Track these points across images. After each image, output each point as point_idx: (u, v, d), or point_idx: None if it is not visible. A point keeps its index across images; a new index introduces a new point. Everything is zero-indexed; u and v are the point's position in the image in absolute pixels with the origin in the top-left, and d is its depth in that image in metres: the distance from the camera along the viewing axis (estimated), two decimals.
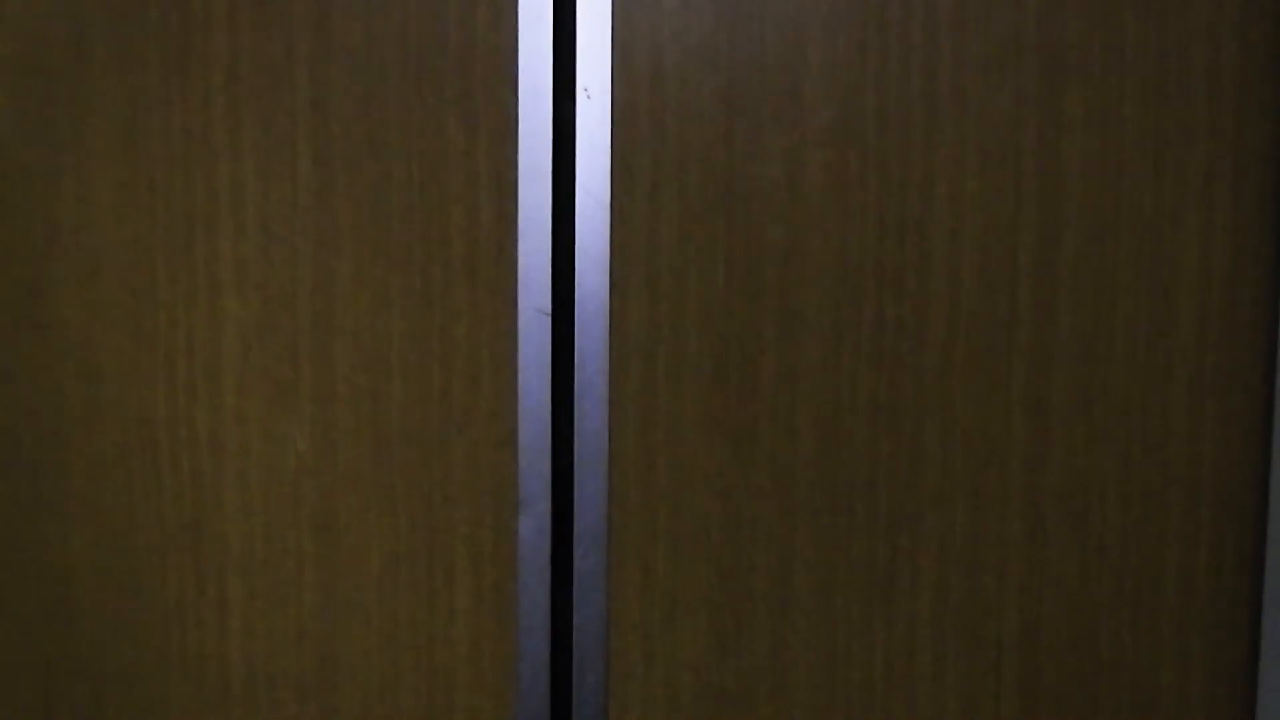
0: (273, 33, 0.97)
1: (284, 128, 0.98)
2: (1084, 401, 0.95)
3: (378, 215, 0.98)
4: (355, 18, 0.96)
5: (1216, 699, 0.98)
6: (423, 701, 1.01)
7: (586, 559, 0.98)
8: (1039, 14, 0.93)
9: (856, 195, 0.94)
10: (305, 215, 0.98)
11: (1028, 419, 0.96)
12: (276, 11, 0.97)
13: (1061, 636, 0.98)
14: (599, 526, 0.98)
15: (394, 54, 0.96)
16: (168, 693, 1.03)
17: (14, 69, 0.99)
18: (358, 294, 0.98)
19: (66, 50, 0.99)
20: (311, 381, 0.99)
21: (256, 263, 0.99)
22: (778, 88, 0.94)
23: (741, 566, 0.98)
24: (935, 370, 0.95)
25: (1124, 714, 0.98)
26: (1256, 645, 0.97)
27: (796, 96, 0.94)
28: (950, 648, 0.98)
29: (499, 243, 0.97)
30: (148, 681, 1.03)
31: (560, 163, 0.96)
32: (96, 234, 1.00)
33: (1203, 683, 0.98)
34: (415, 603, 1.00)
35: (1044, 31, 0.93)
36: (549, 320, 0.96)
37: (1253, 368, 0.96)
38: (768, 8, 0.94)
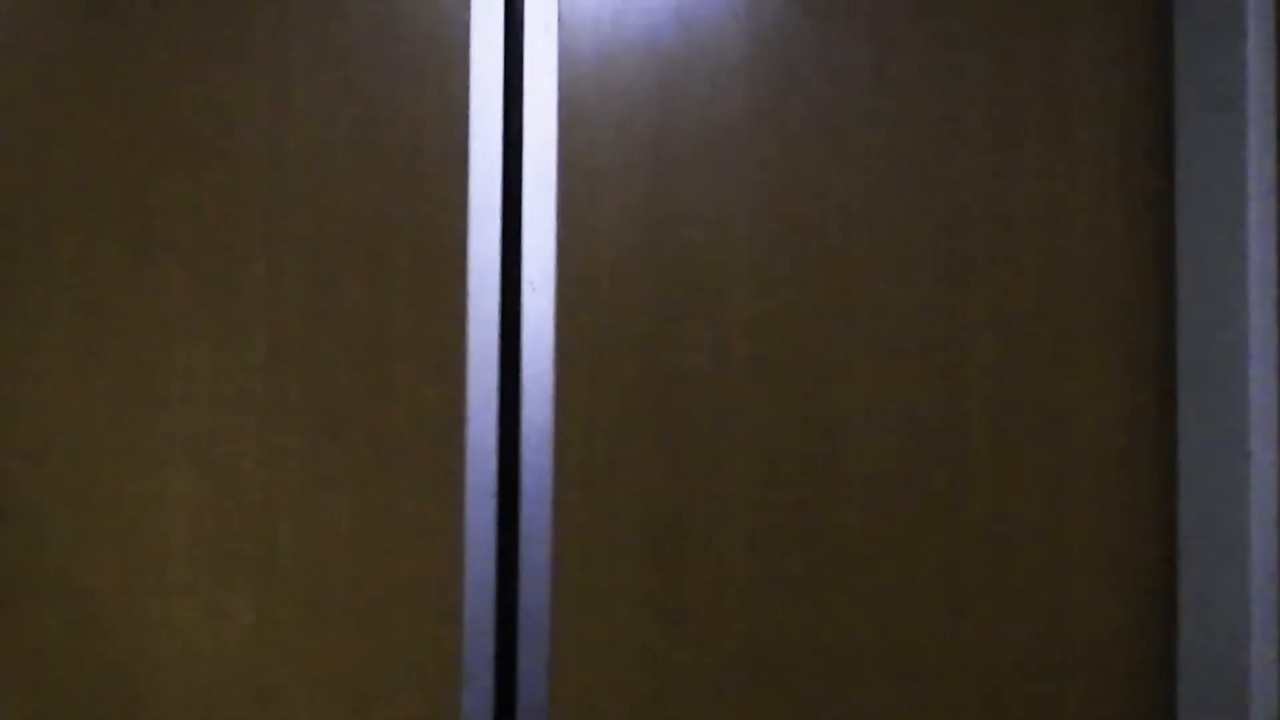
0: (230, 220, 1.03)
1: (239, 312, 1.02)
2: (995, 587, 1.01)
3: (327, 396, 1.02)
4: (307, 206, 1.02)
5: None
6: None
7: None
8: (942, 223, 1.01)
9: (781, 380, 1.01)
10: (258, 395, 1.02)
11: (940, 596, 1.00)
12: (234, 200, 1.03)
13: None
14: (540, 702, 1.00)
15: (345, 243, 1.02)
16: None
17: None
18: (303, 469, 1.02)
19: (33, 234, 1.03)
20: (257, 556, 1.02)
21: (206, 440, 1.02)
22: (706, 284, 1.01)
23: None
24: (851, 549, 1.00)
25: None
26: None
27: (723, 293, 1.01)
28: None
29: (446, 425, 1.01)
30: None
31: (506, 351, 1.01)
32: (52, 410, 1.03)
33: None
34: None
35: (948, 237, 1.01)
36: (494, 500, 1.00)
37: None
38: (697, 211, 1.01)
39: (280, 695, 1.01)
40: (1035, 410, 1.01)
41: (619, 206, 1.02)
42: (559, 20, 1.01)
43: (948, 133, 1.01)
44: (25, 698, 1.02)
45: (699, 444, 1.01)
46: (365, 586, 1.01)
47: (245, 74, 1.02)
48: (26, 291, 1.03)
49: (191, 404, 1.02)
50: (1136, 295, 1.00)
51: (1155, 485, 1.00)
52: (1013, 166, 1.00)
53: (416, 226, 1.02)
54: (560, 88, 1.01)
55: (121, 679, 1.02)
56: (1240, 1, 0.96)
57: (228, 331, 1.02)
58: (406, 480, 1.02)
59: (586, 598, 1.01)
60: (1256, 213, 0.95)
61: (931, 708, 1.01)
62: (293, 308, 1.02)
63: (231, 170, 1.02)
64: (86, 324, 1.03)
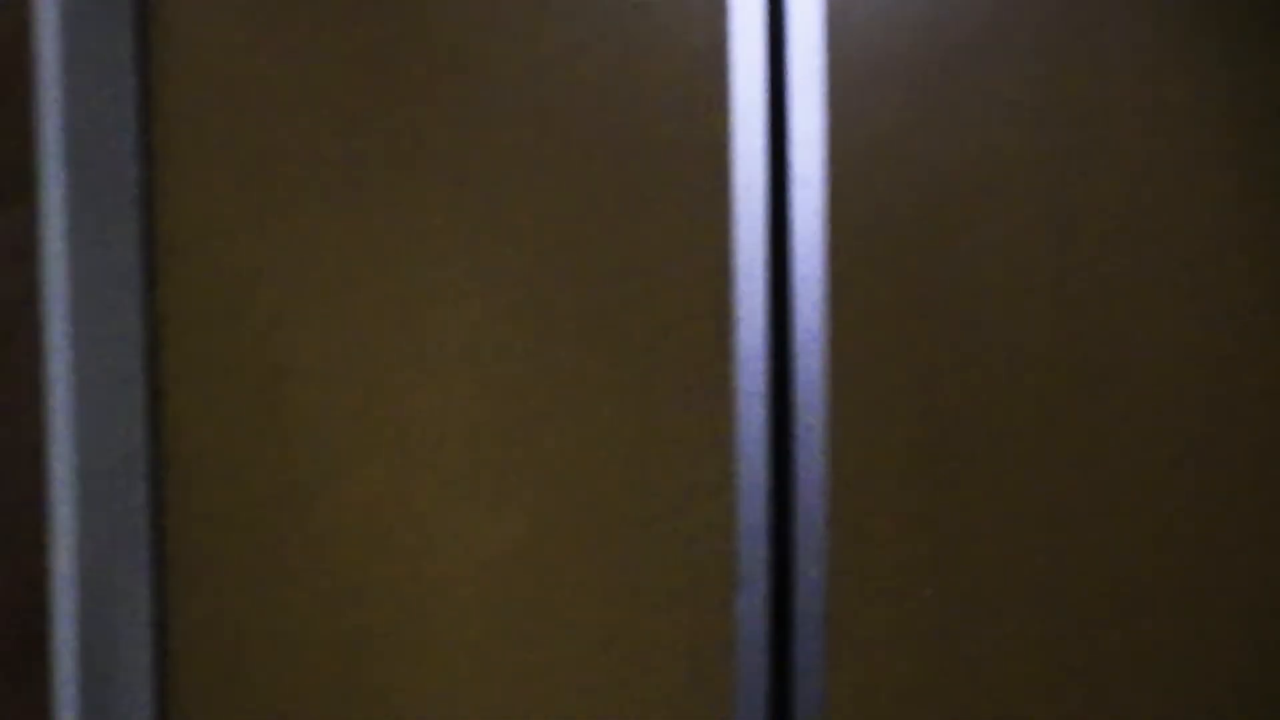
0: (497, 127, 1.02)
1: (505, 221, 1.02)
2: None
3: (593, 304, 1.01)
4: (568, 114, 1.00)
5: None
6: None
7: (806, 643, 0.99)
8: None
9: (1064, 278, 0.94)
10: (525, 303, 1.02)
11: None
12: (499, 108, 1.01)
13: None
14: (817, 609, 0.98)
15: (608, 147, 1.00)
16: None
17: (260, 164, 1.06)
18: (573, 381, 1.01)
19: (305, 146, 1.05)
20: (533, 468, 1.03)
21: (480, 350, 1.03)
22: (981, 180, 0.95)
23: (962, 648, 0.97)
24: (1154, 466, 0.94)
25: None
26: None
27: (1002, 189, 0.95)
28: None
29: (716, 329, 0.99)
30: None
31: (775, 252, 0.98)
32: (331, 322, 1.05)
33: None
34: (630, 684, 1.02)
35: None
36: (766, 404, 0.98)
37: None
38: (969, 105, 0.94)
39: (553, 605, 1.03)
40: None
41: (887, 101, 0.96)
42: None
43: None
44: (298, 597, 1.07)
45: (978, 342, 0.96)
46: (637, 495, 1.01)
47: None
48: (296, 211, 1.05)
49: (461, 316, 1.03)
50: None
51: None
52: None
53: (679, 125, 0.99)
54: None
55: (395, 587, 1.05)
56: None
57: (495, 244, 1.02)
58: (676, 386, 1.00)
59: (863, 501, 0.98)
60: None
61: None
62: (557, 217, 1.01)
63: (494, 83, 1.01)
64: (355, 241, 1.04)
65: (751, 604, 1.00)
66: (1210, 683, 0.96)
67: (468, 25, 1.01)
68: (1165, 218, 0.94)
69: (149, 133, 1.08)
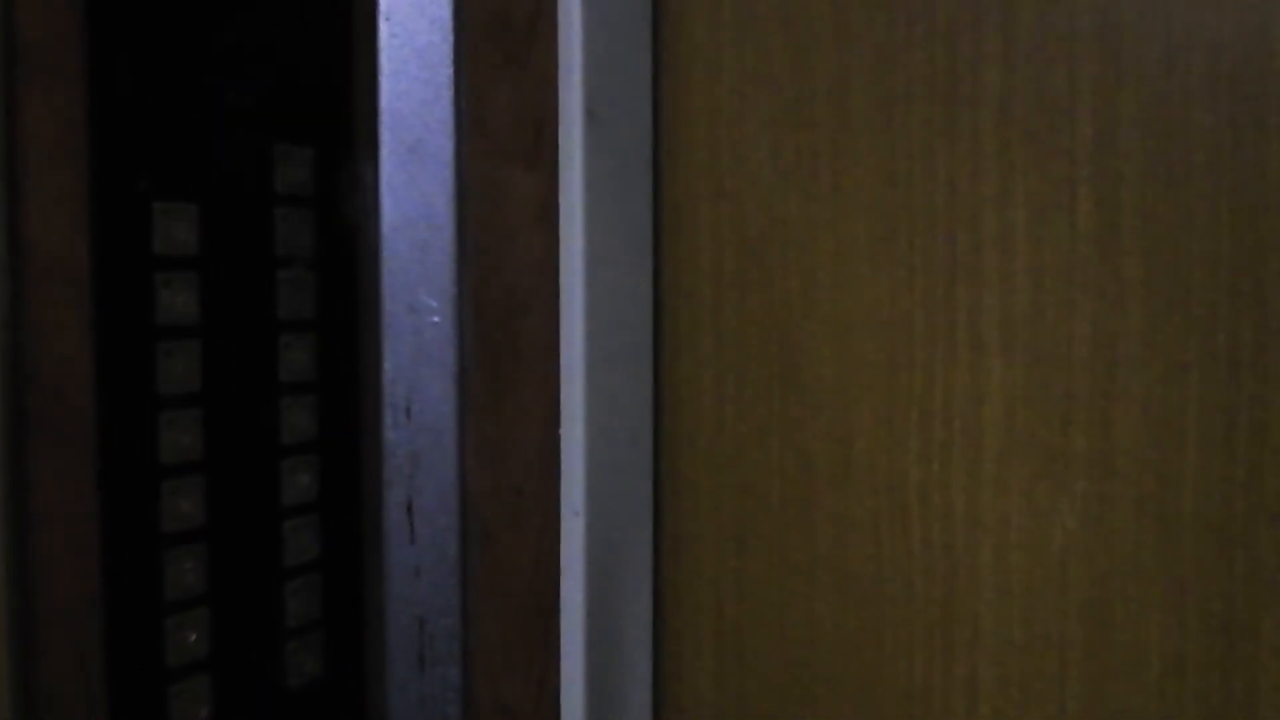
0: (1053, 63, 0.88)
1: (1062, 169, 0.88)
2: None
3: (1174, 266, 0.85)
4: (1153, 35, 0.85)
5: None
6: None
7: None
8: None
9: None
10: (1085, 267, 0.88)
11: None
12: (1058, 37, 0.88)
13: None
14: None
15: (1200, 75, 0.84)
16: None
17: (776, 122, 0.99)
18: (1147, 356, 0.86)
19: (828, 100, 0.97)
20: (1086, 452, 0.88)
21: (1027, 320, 0.90)
22: None
23: None
24: None
25: None
26: None
27: None
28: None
29: None
30: None
31: None
32: (852, 290, 0.96)
33: None
34: (1203, 715, 0.85)
35: None
36: None
37: None
38: None
39: (1111, 612, 0.88)
40: None
41: None
42: None
43: None
44: (805, 588, 0.98)
45: None
46: (1225, 495, 0.84)
47: None
48: (822, 162, 0.97)
49: (1008, 279, 0.90)
50: None
51: None
52: None
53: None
54: None
55: (925, 575, 0.94)
56: None
57: (1050, 195, 0.89)
58: (1277, 366, 0.82)
59: None
60: None
61: None
62: (1129, 162, 0.86)
63: (1051, 5, 0.88)
64: (887, 193, 0.94)
65: None
66: None
67: None
68: None
69: (660, 96, 1.05)
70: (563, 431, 0.99)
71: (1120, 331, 0.87)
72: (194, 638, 0.80)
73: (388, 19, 0.94)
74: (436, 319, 0.96)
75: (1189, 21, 0.84)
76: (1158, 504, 0.86)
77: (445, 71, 0.96)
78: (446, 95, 0.96)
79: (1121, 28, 0.86)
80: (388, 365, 0.94)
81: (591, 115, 0.98)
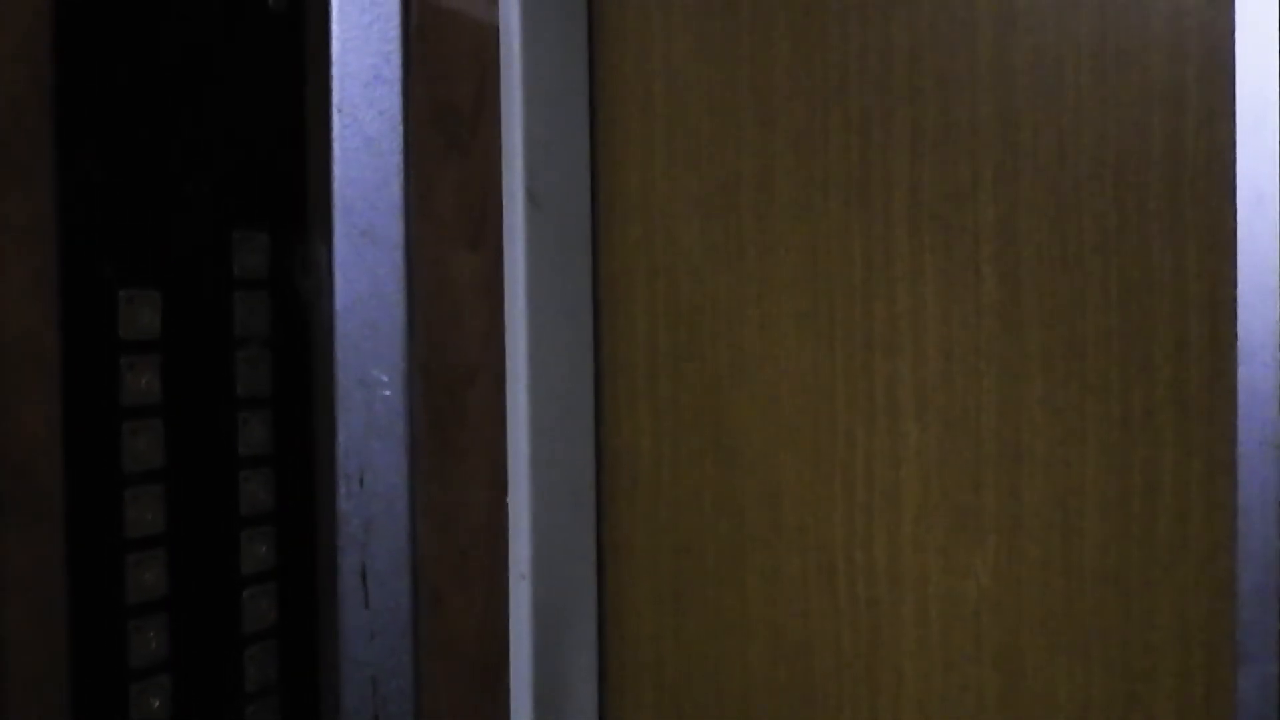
0: (957, 155, 0.96)
1: (967, 249, 0.96)
2: None
3: (1070, 339, 0.93)
4: (1042, 131, 0.93)
5: None
6: None
7: None
8: None
9: None
10: (991, 340, 0.95)
11: None
12: (960, 133, 0.96)
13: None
14: None
15: (1089, 168, 0.92)
16: None
17: (705, 203, 1.06)
18: (1049, 422, 0.93)
19: (753, 183, 1.04)
20: (995, 511, 0.95)
21: (938, 388, 0.97)
22: None
23: None
24: None
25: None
26: None
27: None
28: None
29: (1214, 368, 0.88)
30: None
31: None
32: (778, 361, 1.03)
33: None
34: None
35: None
36: (1275, 453, 0.86)
37: None
38: None
39: (1023, 660, 0.95)
40: None
41: None
42: None
43: None
44: (740, 640, 1.04)
45: None
46: (1122, 549, 0.91)
47: None
48: (748, 241, 1.04)
49: (921, 350, 0.97)
50: None
51: None
52: None
53: (1171, 143, 0.89)
54: None
55: (851, 628, 1.00)
56: None
57: (957, 272, 0.96)
58: (1168, 431, 0.90)
59: None
60: None
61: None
62: (1029, 243, 0.94)
63: (956, 100, 0.96)
64: (809, 270, 1.01)
65: (1253, 683, 0.88)
66: None
67: (929, 38, 0.96)
68: None
69: (596, 179, 1.11)
70: (509, 497, 1.04)
71: (1024, 399, 0.94)
72: (156, 704, 0.84)
73: (339, 110, 1.00)
74: (387, 392, 1.01)
75: (1078, 114, 0.92)
76: (1062, 558, 0.93)
77: (394, 159, 1.02)
78: (396, 181, 1.02)
79: (1018, 119, 0.94)
80: (341, 437, 0.99)
81: (532, 197, 1.05)
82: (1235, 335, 0.87)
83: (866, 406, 1.00)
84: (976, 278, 0.96)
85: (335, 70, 1.00)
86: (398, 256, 1.01)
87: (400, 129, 1.02)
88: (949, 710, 0.97)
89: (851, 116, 1.00)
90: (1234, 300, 0.86)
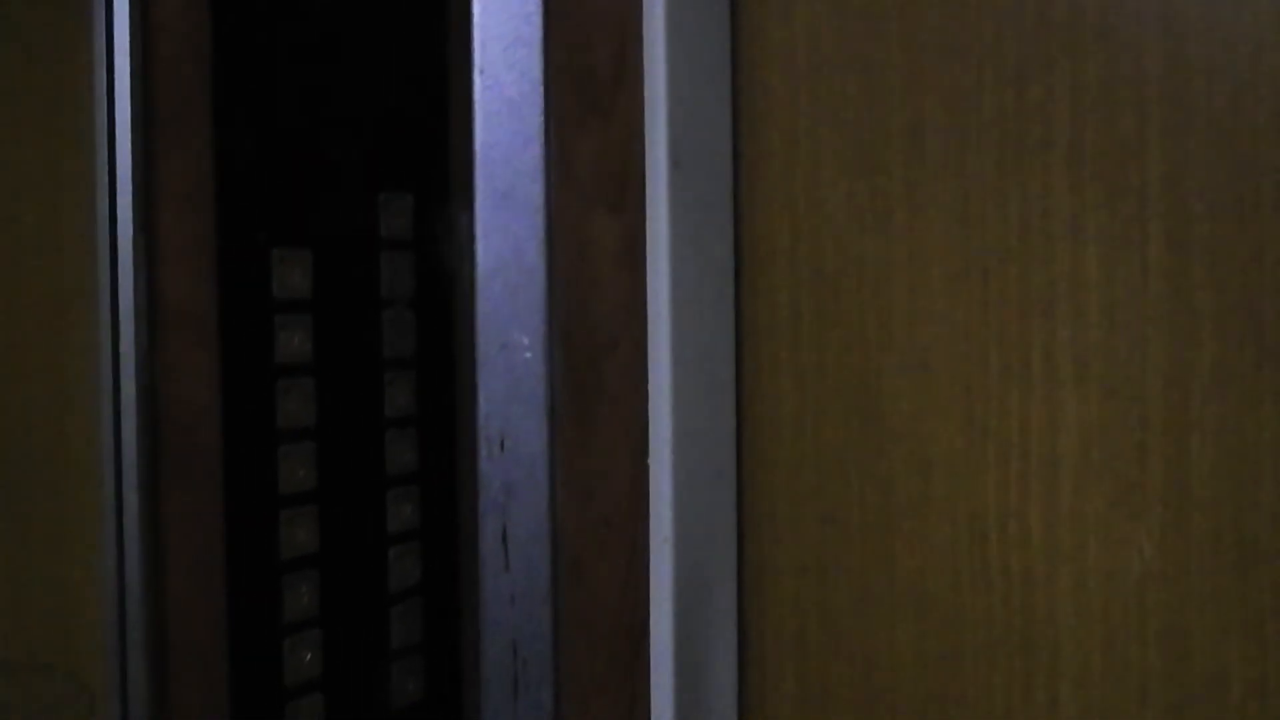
0: (1121, 107, 0.91)
1: (1132, 208, 0.91)
2: None
3: (1245, 298, 0.87)
4: (1219, 79, 0.88)
5: None
6: None
7: None
8: None
9: None
10: (1156, 302, 0.90)
11: None
12: (1125, 84, 0.91)
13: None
14: None
15: (1268, 119, 0.86)
16: None
17: (851, 165, 1.03)
18: (1220, 387, 0.88)
19: (901, 143, 1.00)
20: (1162, 483, 0.91)
21: (1100, 353, 0.92)
22: None
23: None
24: None
25: None
26: None
27: None
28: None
29: None
30: None
31: None
32: (928, 325, 1.00)
33: None
34: None
35: None
36: None
37: None
38: None
39: (1189, 640, 0.90)
40: None
41: None
42: None
43: None
44: (886, 618, 1.01)
45: None
46: None
47: None
48: (896, 203, 1.01)
49: (1081, 315, 0.93)
50: None
51: None
52: None
53: None
54: None
55: (1004, 603, 0.97)
56: None
57: (1120, 232, 0.91)
58: None
59: None
60: None
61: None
62: (1200, 200, 0.89)
63: (1120, 50, 0.91)
64: (960, 232, 0.98)
65: None
66: None
67: None
68: None
69: (739, 142, 1.09)
70: (650, 465, 1.03)
71: (1194, 363, 0.89)
72: (309, 657, 0.85)
73: (481, 72, 1.00)
74: (529, 354, 1.01)
75: (1256, 60, 0.86)
76: (1235, 531, 0.88)
77: (535, 121, 1.01)
78: (536, 144, 1.01)
79: (1189, 70, 0.89)
80: (482, 400, 0.99)
81: (675, 162, 1.03)
82: None
83: (1022, 373, 0.96)
84: (1142, 236, 0.91)
85: (477, 33, 1.00)
86: (538, 220, 1.01)
87: (541, 91, 1.01)
88: (1108, 690, 0.93)
89: (1006, 71, 0.96)
90: None
